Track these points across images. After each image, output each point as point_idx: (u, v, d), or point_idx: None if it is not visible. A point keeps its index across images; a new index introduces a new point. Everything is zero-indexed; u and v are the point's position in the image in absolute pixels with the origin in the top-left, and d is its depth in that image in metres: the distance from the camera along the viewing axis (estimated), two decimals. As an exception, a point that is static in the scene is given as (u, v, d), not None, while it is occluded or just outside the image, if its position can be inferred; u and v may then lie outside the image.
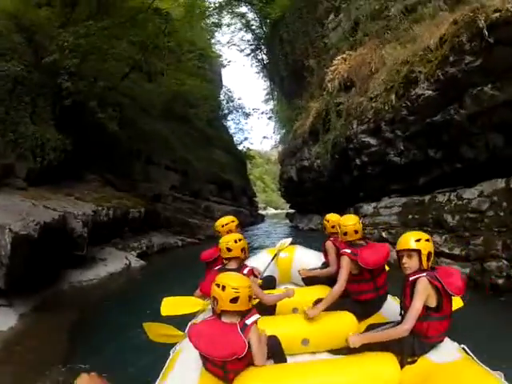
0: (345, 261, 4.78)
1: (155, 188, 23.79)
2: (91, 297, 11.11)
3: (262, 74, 55.02)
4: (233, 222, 6.17)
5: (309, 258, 7.38)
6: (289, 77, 33.57)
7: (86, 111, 17.86)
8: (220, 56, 51.10)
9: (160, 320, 5.11)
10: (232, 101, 52.21)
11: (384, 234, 12.91)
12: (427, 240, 3.82)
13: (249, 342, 3.30)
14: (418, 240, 3.77)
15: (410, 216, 11.97)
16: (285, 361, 4.00)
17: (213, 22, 43.96)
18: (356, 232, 5.10)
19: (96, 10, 19.15)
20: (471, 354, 3.47)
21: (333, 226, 6.15)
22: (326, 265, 6.43)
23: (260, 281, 5.72)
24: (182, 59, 34.03)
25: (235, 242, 4.83)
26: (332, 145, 18.62)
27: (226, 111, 52.05)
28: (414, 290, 3.58)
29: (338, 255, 5.22)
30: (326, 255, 6.36)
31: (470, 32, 9.10)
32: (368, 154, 14.95)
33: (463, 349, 3.57)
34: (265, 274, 6.48)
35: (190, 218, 25.29)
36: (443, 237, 10.04)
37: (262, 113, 57.01)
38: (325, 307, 4.56)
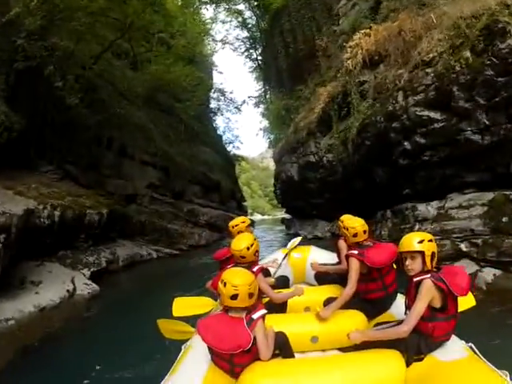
0: (353, 262, 4.73)
1: (129, 186, 19.31)
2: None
3: (254, 76, 51.34)
4: (243, 222, 5.99)
5: (323, 259, 6.96)
6: (289, 69, 29.72)
7: (42, 80, 14.04)
8: (213, 52, 47.87)
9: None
10: (223, 94, 47.32)
11: (463, 247, 9.37)
12: (430, 240, 3.69)
13: (254, 337, 3.33)
14: (421, 241, 3.65)
15: (505, 218, 8.83)
16: (292, 356, 3.96)
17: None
18: (365, 232, 5.18)
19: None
20: (478, 352, 3.37)
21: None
22: (339, 264, 6.22)
23: (272, 280, 5.77)
24: (171, 44, 29.33)
25: (247, 249, 4.61)
26: (357, 130, 14.31)
27: (216, 106, 47.56)
28: (418, 291, 3.48)
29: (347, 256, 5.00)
30: (338, 254, 6.20)
31: None
32: (426, 134, 10.79)
33: (470, 347, 3.49)
34: (279, 274, 6.53)
35: (169, 223, 20.65)
36: None
37: (258, 102, 50.77)
38: (337, 308, 4.53)
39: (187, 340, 4.32)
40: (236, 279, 3.47)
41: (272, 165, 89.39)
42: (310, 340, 4.43)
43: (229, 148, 46.97)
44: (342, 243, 6.04)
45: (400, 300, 4.63)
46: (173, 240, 19.94)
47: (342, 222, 5.82)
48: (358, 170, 14.85)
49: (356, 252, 4.79)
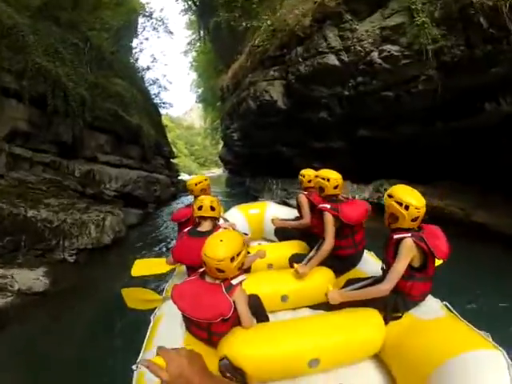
0: (329, 217, 4.52)
1: None
2: None
3: (187, 19, 45.39)
4: (206, 180, 5.90)
5: (282, 214, 6.81)
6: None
7: None
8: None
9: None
10: (151, 15, 33.98)
11: None
12: (399, 203, 3.46)
13: (234, 303, 3.19)
14: (389, 195, 3.60)
15: None
16: (267, 319, 3.86)
17: None
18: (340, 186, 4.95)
19: None
20: (454, 311, 3.36)
21: (309, 181, 5.93)
22: (299, 219, 6.10)
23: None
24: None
25: (218, 203, 4.57)
26: None
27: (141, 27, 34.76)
28: (398, 250, 3.42)
29: (316, 210, 4.93)
30: (299, 209, 6.04)
31: None
32: None
33: (445, 305, 3.47)
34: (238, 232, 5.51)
35: (37, 207, 9.49)
36: None
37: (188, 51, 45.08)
38: (315, 264, 4.45)
39: (154, 309, 4.01)
40: (209, 250, 3.23)
41: (198, 123, 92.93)
42: (280, 299, 4.32)
43: (153, 91, 34.22)
44: (302, 197, 5.85)
45: (367, 257, 4.71)
46: (39, 246, 9.07)
47: (304, 175, 5.99)
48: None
49: (329, 206, 4.55)
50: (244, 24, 16.68)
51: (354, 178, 12.14)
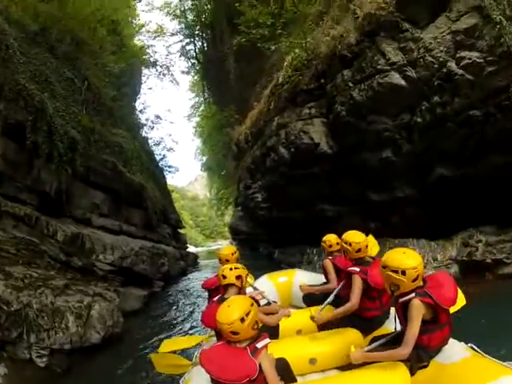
0: (358, 280, 4.52)
1: None
2: None
3: (189, 81, 47.52)
4: (233, 254, 5.85)
5: (310, 280, 6.98)
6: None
7: None
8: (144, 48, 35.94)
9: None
10: (154, 63, 35.64)
11: None
12: (394, 271, 3.39)
13: (260, 366, 3.18)
14: (383, 266, 3.52)
15: None
16: (295, 381, 3.93)
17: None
18: (366, 247, 4.89)
19: None
20: (480, 351, 3.39)
21: (330, 246, 6.05)
22: (326, 284, 6.29)
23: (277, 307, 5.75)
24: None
25: (230, 269, 4.53)
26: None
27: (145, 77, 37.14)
28: (408, 313, 3.40)
29: (342, 273, 5.12)
30: (325, 274, 6.16)
31: None
32: None
33: (471, 347, 3.50)
34: (267, 299, 6.04)
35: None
36: None
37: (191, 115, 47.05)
38: (333, 317, 4.57)
39: (183, 373, 4.25)
40: (220, 316, 3.30)
41: (202, 193, 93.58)
42: (308, 362, 4.34)
43: (157, 151, 33.62)
44: (327, 262, 5.92)
45: (393, 313, 4.32)
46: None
47: (325, 241, 6.05)
48: None
49: (358, 269, 4.55)
50: (272, 47, 16.27)
51: (430, 234, 10.40)
